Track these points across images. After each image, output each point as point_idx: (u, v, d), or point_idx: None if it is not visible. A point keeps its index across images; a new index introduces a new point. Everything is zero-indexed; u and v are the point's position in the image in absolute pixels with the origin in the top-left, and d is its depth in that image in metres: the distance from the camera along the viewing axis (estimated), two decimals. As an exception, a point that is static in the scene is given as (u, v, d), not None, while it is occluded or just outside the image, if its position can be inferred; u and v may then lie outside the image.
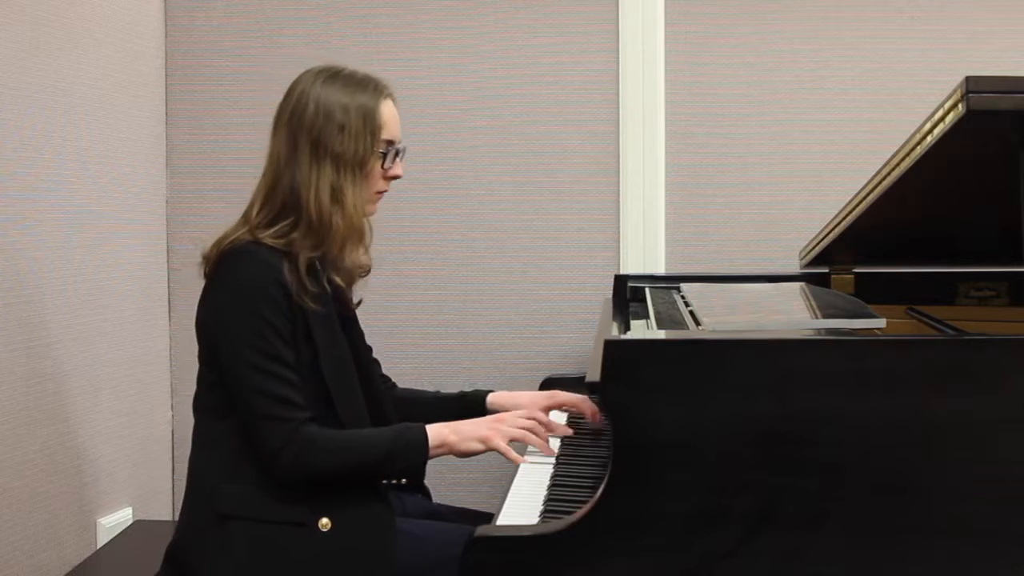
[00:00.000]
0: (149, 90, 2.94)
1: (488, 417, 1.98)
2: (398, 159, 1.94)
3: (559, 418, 2.17)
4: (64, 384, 2.50)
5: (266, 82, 3.02)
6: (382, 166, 1.91)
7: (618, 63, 2.93)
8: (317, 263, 1.87)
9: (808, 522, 1.53)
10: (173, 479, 3.03)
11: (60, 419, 2.48)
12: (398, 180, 1.97)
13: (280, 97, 2.97)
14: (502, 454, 1.88)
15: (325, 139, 1.85)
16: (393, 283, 3.00)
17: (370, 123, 1.88)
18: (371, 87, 1.92)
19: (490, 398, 2.12)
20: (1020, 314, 2.35)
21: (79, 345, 2.56)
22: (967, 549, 1.53)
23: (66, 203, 2.52)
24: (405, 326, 3.00)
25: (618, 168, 2.94)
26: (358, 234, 1.90)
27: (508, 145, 2.99)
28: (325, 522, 1.79)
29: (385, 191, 1.96)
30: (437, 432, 1.86)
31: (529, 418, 1.94)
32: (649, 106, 2.92)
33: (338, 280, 1.90)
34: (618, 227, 2.95)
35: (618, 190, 2.94)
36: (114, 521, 2.68)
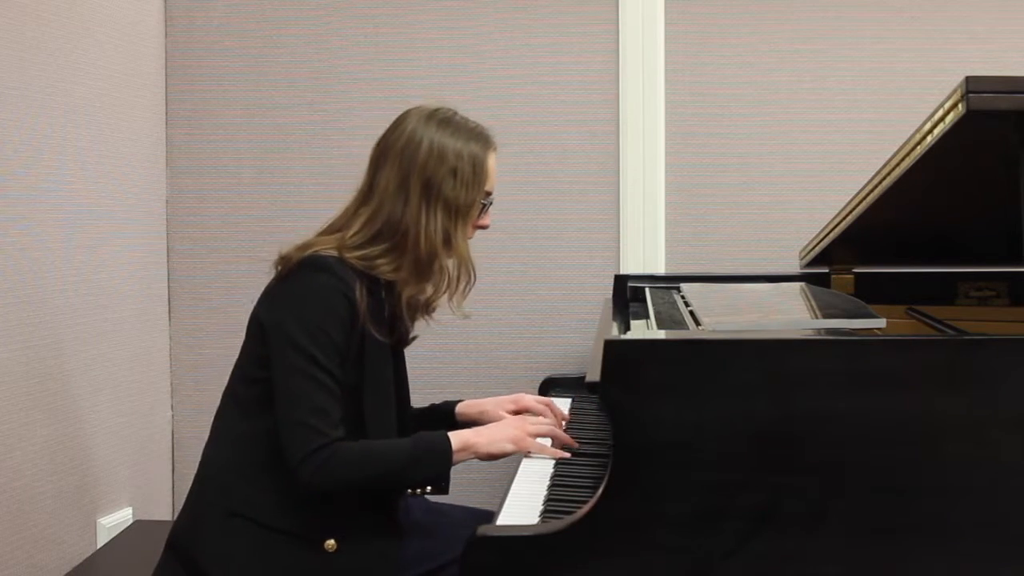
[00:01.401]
0: (149, 90, 2.94)
1: (509, 419, 2.00)
2: (488, 210, 1.96)
3: (563, 404, 2.19)
4: (64, 384, 2.50)
5: (266, 82, 3.03)
6: (479, 215, 1.93)
7: (618, 63, 2.93)
8: (382, 292, 1.87)
9: (808, 522, 1.53)
10: (173, 479, 3.03)
11: (60, 419, 2.48)
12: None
13: (280, 95, 3.01)
14: (536, 451, 1.93)
15: (437, 181, 1.86)
16: (393, 283, 3.00)
17: (479, 173, 1.89)
18: (482, 137, 1.93)
19: (459, 408, 2.11)
20: (1020, 314, 2.36)
21: (79, 345, 2.56)
22: (967, 549, 1.53)
23: (66, 203, 2.52)
24: (405, 326, 3.00)
25: (618, 168, 2.94)
26: (467, 278, 1.93)
27: (508, 145, 2.97)
28: (331, 543, 1.78)
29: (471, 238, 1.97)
30: (459, 436, 1.85)
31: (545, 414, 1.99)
32: (649, 106, 2.92)
33: (427, 319, 1.94)
34: (618, 227, 2.95)
35: (618, 190, 2.95)
36: (114, 521, 2.68)
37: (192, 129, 3.04)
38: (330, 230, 1.91)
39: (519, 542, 1.57)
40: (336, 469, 1.74)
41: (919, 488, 1.52)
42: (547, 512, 1.73)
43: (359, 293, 1.80)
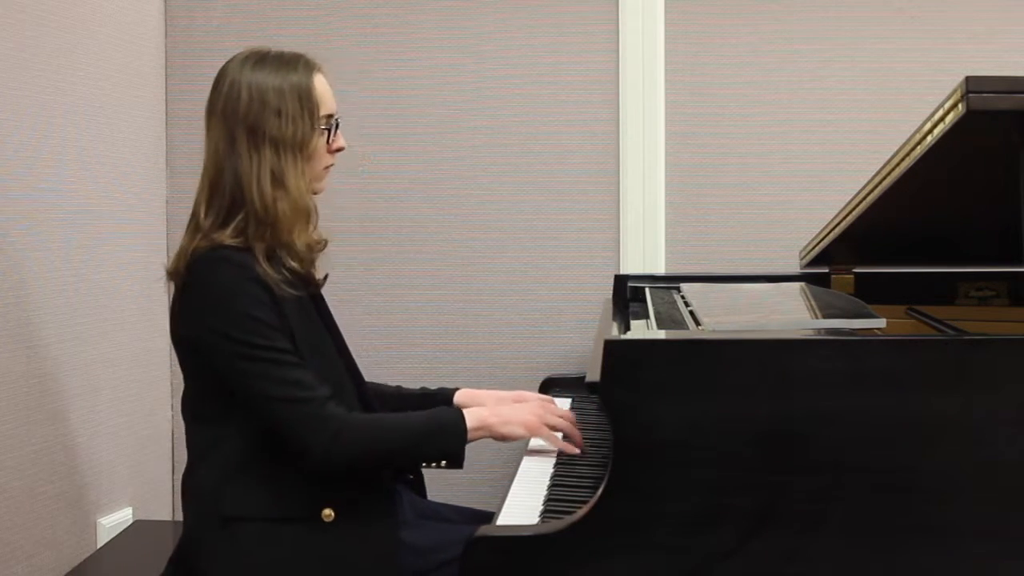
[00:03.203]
0: (149, 90, 2.94)
1: (529, 403, 1.99)
2: (339, 131, 1.92)
3: (563, 404, 2.19)
4: (64, 384, 2.50)
5: (266, 82, 3.03)
6: (327, 142, 1.89)
7: (618, 63, 2.93)
8: (276, 251, 1.84)
9: (808, 522, 1.53)
10: (173, 479, 3.03)
11: (60, 419, 2.48)
12: (342, 154, 1.95)
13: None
14: (547, 441, 1.92)
15: (262, 125, 1.82)
16: (393, 283, 3.00)
17: (307, 103, 1.85)
18: (301, 65, 1.88)
19: (457, 397, 2.09)
20: (1020, 314, 2.35)
21: (79, 345, 2.56)
22: (967, 549, 1.53)
23: (66, 203, 2.52)
24: (405, 326, 3.00)
25: (618, 168, 2.94)
26: (304, 215, 1.86)
27: (508, 145, 2.99)
28: (328, 512, 1.79)
29: (332, 165, 1.93)
30: (476, 414, 1.86)
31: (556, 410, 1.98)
32: (649, 106, 2.92)
33: (295, 265, 1.85)
34: (618, 227, 2.95)
35: (618, 190, 2.95)
36: (114, 521, 2.68)
37: (192, 129, 3.02)
38: (190, 222, 1.88)
39: (519, 542, 1.57)
40: (348, 441, 1.75)
41: (919, 488, 1.52)
42: (547, 512, 1.73)
43: (256, 267, 1.78)
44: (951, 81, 1.50)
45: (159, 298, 3.00)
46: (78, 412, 2.55)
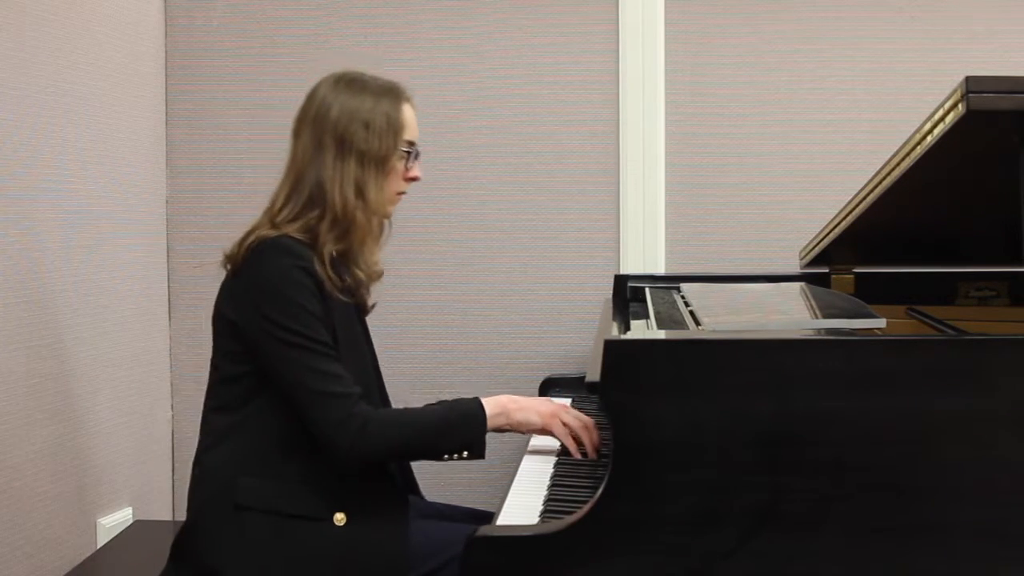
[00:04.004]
0: (149, 90, 2.94)
1: (549, 400, 2.01)
2: (417, 160, 1.97)
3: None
4: (64, 384, 2.50)
5: (266, 82, 3.03)
6: (405, 166, 1.94)
7: (618, 63, 2.93)
8: (341, 256, 1.89)
9: (808, 522, 1.53)
10: (173, 479, 3.03)
11: (60, 419, 2.48)
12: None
13: (280, 95, 3.00)
14: (559, 438, 1.93)
15: (350, 136, 1.88)
16: (393, 283, 2.97)
17: (393, 124, 1.91)
18: (392, 91, 1.95)
19: None
20: (1020, 314, 2.35)
21: (79, 345, 2.56)
22: (967, 549, 1.53)
23: (66, 203, 2.52)
24: (405, 326, 3.00)
25: (618, 168, 2.94)
26: (378, 229, 1.95)
27: (508, 145, 2.99)
28: (340, 516, 1.81)
29: (404, 192, 1.98)
30: (494, 400, 1.89)
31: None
32: (649, 106, 2.92)
33: (360, 275, 1.92)
34: (618, 227, 2.95)
35: (618, 190, 2.95)
36: (114, 521, 2.68)
37: (192, 129, 3.04)
38: (264, 212, 1.93)
39: (519, 542, 1.57)
40: (373, 435, 1.78)
41: (919, 488, 1.52)
42: (547, 512, 1.73)
43: (315, 263, 1.83)
44: (951, 81, 1.50)
45: (159, 298, 3.00)
46: (78, 412, 2.55)
